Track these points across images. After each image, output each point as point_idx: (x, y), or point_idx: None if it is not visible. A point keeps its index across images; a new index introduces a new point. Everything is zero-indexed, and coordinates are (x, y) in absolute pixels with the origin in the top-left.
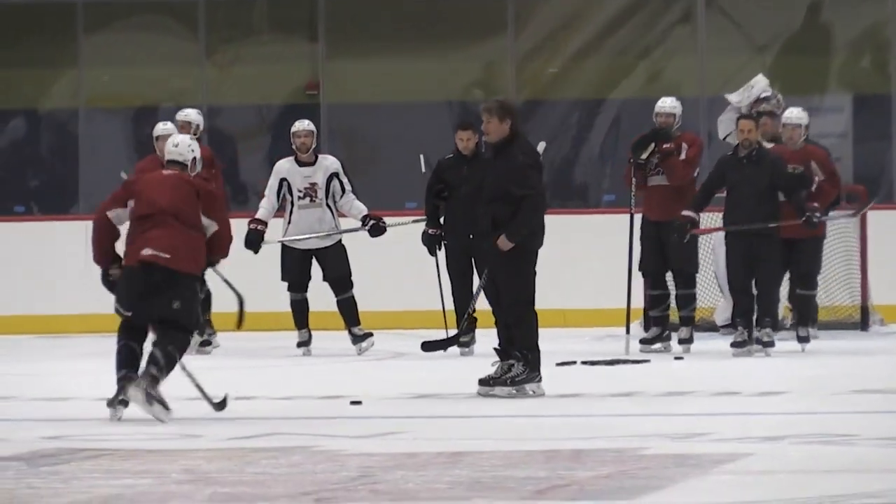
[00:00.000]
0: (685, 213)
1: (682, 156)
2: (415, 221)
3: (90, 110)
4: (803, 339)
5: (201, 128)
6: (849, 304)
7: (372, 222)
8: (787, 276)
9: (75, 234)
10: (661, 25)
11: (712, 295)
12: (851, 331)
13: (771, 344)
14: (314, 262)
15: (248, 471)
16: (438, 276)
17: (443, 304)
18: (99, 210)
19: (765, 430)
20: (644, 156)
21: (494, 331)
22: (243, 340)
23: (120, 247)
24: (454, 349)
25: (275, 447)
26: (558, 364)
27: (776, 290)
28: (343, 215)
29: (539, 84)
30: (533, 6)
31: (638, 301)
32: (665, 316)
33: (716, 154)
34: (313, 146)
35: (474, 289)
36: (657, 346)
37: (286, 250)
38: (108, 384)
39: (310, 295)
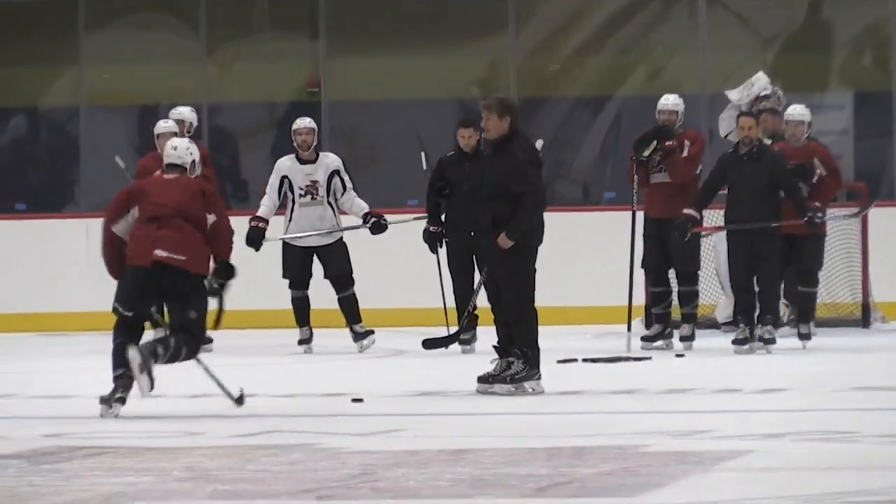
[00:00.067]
0: (686, 211)
1: (685, 153)
2: (416, 219)
3: (91, 108)
4: (804, 337)
5: (195, 125)
6: (850, 301)
7: (373, 220)
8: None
9: (75, 232)
10: (662, 23)
11: (713, 292)
12: (853, 328)
13: (772, 341)
14: (315, 259)
15: (250, 468)
16: (440, 273)
17: (444, 301)
18: (104, 225)
19: (766, 428)
20: (646, 153)
21: (495, 328)
22: (244, 338)
23: None
24: (455, 347)
25: (276, 444)
26: (559, 361)
27: (777, 287)
28: (344, 213)
29: (540, 82)
30: (534, 4)
31: (639, 298)
32: (667, 313)
33: (717, 152)
34: (314, 144)
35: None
36: (659, 343)
37: (287, 248)
38: (108, 382)
39: (311, 292)
